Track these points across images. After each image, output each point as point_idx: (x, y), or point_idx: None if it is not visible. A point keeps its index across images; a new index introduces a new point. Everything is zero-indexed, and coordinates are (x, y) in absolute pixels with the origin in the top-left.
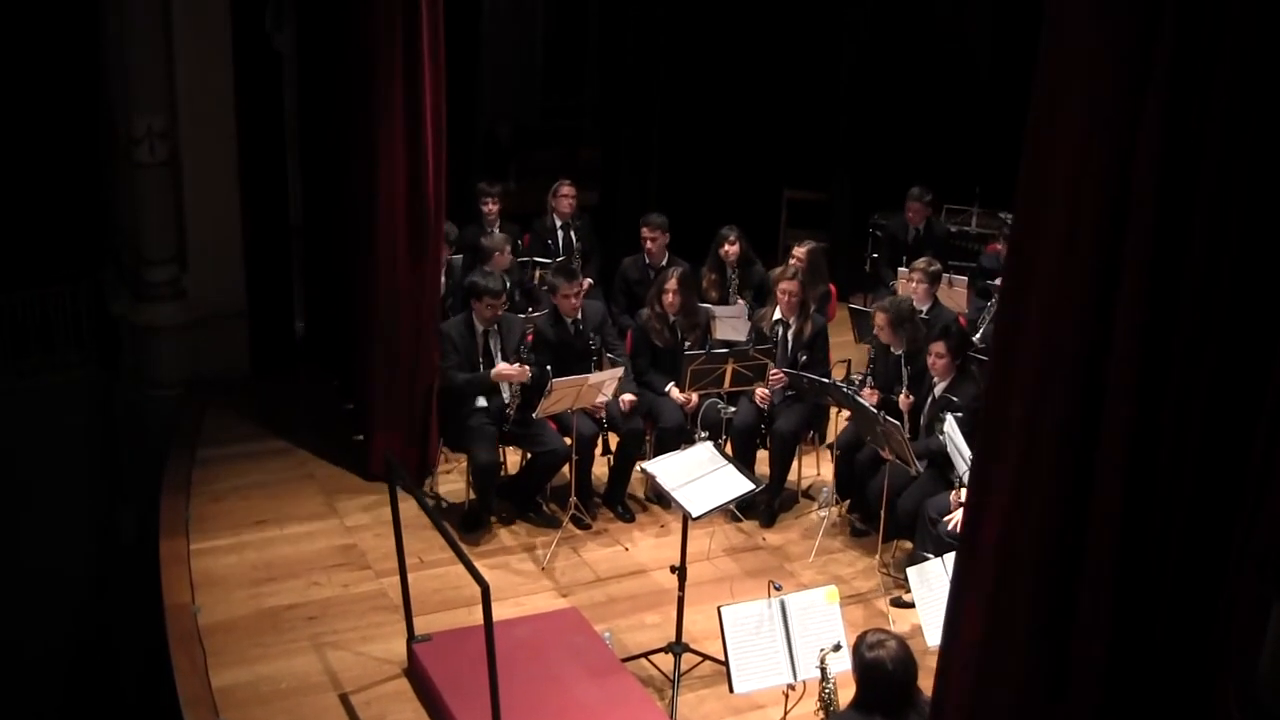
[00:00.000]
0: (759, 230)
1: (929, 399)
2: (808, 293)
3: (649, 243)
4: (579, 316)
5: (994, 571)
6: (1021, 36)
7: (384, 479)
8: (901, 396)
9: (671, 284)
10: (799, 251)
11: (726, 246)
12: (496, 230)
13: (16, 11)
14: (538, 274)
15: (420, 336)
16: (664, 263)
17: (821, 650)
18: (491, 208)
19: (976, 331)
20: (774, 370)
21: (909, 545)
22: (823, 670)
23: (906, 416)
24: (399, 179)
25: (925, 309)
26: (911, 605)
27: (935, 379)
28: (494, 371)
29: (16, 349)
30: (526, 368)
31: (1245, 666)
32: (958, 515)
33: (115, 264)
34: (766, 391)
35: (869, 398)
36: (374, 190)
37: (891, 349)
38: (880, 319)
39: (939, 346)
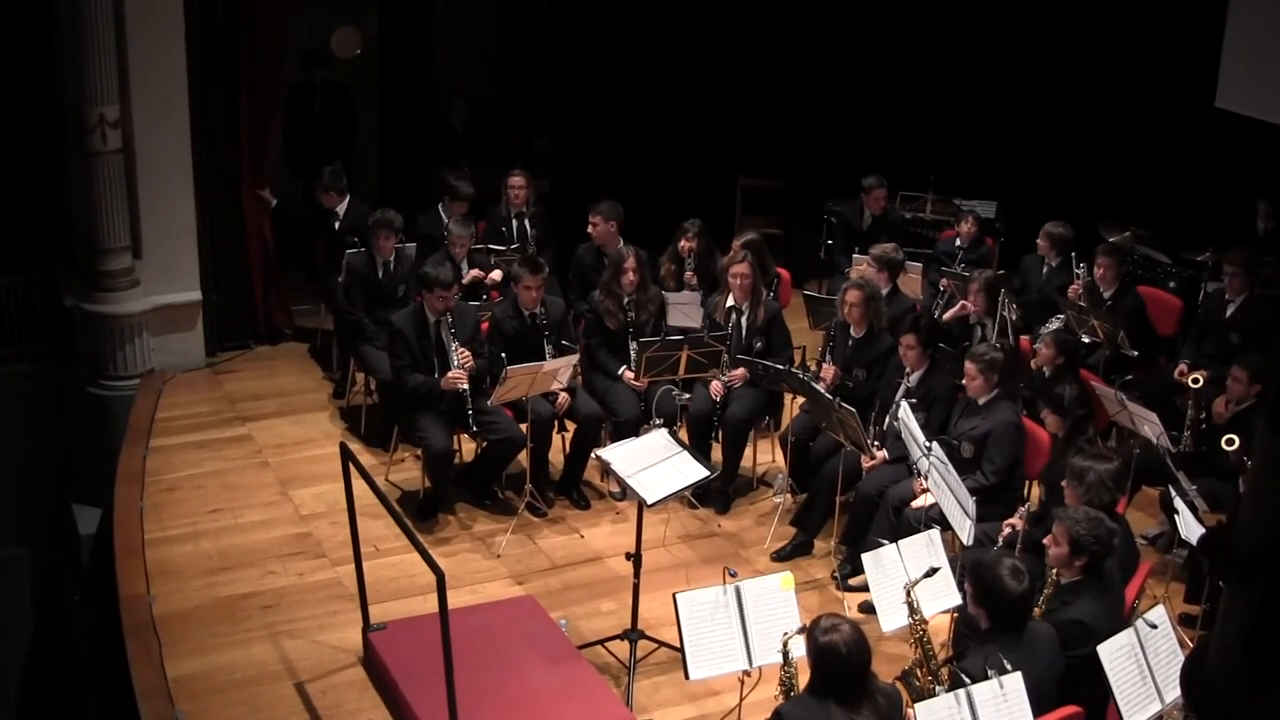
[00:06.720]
0: (714, 218)
1: (900, 389)
2: (759, 277)
3: (592, 228)
4: (539, 310)
5: None
6: (976, 24)
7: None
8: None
9: (630, 263)
10: (737, 244)
11: (685, 241)
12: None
13: None
14: (492, 260)
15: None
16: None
17: (785, 634)
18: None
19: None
20: (736, 370)
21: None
22: (784, 654)
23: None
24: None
25: (885, 293)
26: (860, 587)
27: (908, 369)
28: (443, 380)
29: None
30: (467, 375)
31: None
32: (924, 499)
33: (68, 254)
34: (720, 384)
35: (828, 373)
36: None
37: (853, 330)
38: (854, 296)
39: (909, 339)
